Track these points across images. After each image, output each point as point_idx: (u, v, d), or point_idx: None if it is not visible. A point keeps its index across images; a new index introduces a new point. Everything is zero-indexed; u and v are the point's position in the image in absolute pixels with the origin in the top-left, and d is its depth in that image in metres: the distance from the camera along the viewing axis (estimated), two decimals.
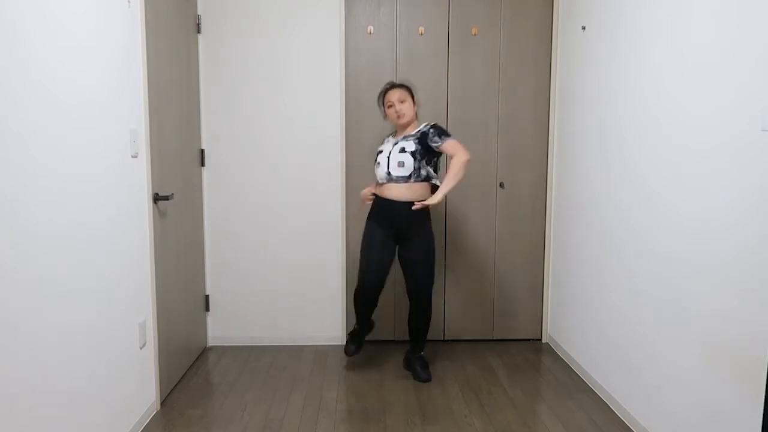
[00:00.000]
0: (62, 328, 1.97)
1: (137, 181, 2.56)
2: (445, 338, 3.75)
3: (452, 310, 3.73)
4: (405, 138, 3.03)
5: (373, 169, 3.14)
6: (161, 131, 2.81)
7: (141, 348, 2.62)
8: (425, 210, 3.03)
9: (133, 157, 2.51)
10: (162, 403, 2.84)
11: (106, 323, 2.29)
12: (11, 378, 1.70)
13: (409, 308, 3.22)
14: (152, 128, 2.67)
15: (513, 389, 3.06)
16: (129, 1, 2.45)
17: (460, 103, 3.58)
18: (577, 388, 3.07)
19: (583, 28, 3.16)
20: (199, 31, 3.46)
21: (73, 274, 2.03)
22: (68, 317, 2.00)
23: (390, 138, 3.14)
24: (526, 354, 3.57)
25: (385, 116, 3.13)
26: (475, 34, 3.54)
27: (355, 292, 3.18)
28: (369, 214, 3.15)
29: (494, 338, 3.77)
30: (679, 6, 2.27)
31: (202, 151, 3.54)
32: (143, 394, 2.65)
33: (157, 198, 2.73)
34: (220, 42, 3.48)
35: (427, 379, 3.16)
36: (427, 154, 2.99)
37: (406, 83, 3.12)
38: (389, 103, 3.05)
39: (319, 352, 3.58)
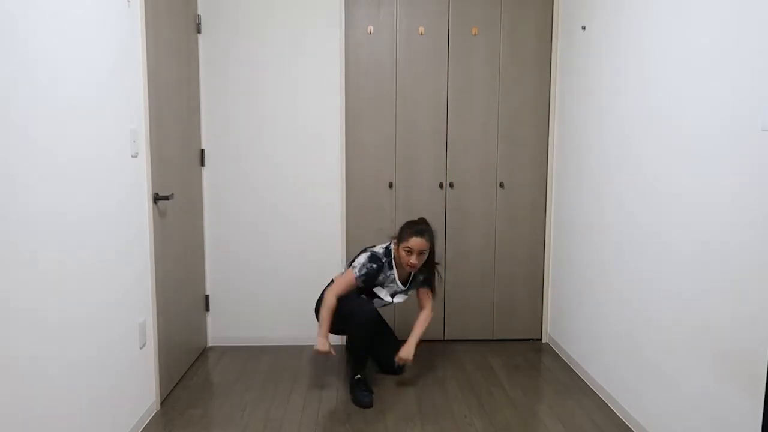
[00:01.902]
0: (62, 327, 1.97)
1: (137, 181, 2.56)
2: (445, 338, 3.75)
3: (452, 310, 3.73)
4: (409, 287, 3.11)
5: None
6: (161, 131, 2.81)
7: (141, 348, 2.62)
8: None
9: (133, 157, 2.51)
10: (162, 403, 2.84)
11: (106, 323, 2.29)
12: (11, 377, 1.70)
13: (381, 369, 3.25)
14: (152, 128, 2.67)
15: (513, 389, 3.06)
16: (129, 1, 2.45)
17: (460, 103, 3.58)
18: (577, 388, 3.07)
19: (583, 28, 3.16)
20: (199, 31, 3.45)
21: (72, 274, 2.03)
22: (68, 317, 2.00)
23: (395, 279, 3.04)
24: (526, 354, 3.57)
25: (396, 252, 2.99)
26: (475, 34, 3.54)
27: (349, 342, 3.01)
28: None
29: (494, 338, 3.77)
30: (679, 6, 2.27)
31: (202, 151, 3.54)
32: (143, 393, 2.65)
33: (157, 198, 2.73)
34: (220, 42, 3.48)
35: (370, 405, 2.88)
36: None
37: (432, 233, 3.00)
38: (408, 248, 2.91)
39: None
